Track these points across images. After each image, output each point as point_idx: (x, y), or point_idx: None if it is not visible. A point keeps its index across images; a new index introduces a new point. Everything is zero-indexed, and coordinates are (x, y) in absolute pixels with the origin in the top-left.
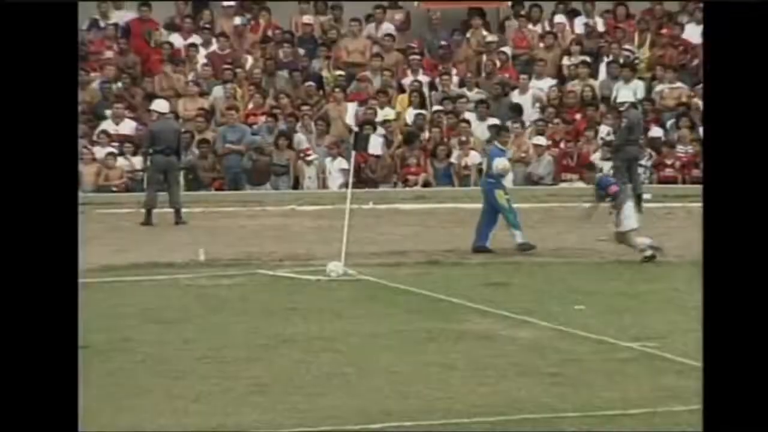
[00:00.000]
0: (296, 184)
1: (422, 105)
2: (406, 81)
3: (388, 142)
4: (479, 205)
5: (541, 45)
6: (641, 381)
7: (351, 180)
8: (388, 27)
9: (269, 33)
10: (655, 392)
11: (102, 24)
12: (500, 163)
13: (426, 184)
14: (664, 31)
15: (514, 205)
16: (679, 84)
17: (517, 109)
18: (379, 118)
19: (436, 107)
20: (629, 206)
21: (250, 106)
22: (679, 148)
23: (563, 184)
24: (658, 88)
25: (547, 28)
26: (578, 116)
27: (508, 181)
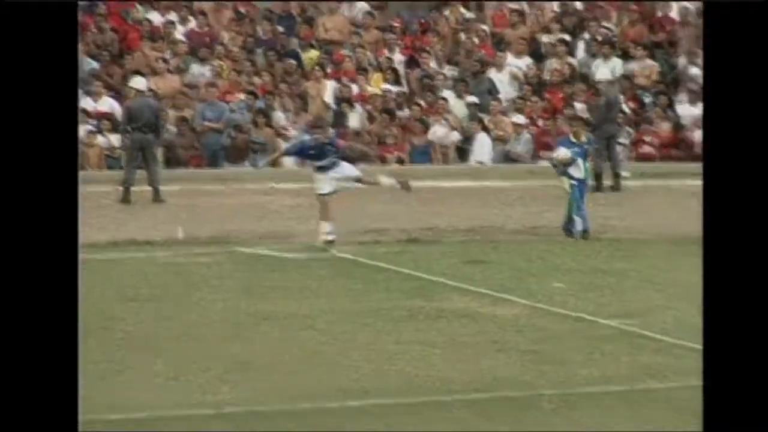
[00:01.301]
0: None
1: (397, 82)
2: (384, 58)
3: (366, 120)
4: (459, 184)
5: (512, 23)
6: (620, 358)
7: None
8: (365, 5)
9: (242, 10)
10: (633, 370)
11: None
12: (558, 152)
13: (400, 162)
14: (634, 7)
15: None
16: (649, 61)
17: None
18: (358, 95)
19: (405, 86)
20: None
21: (228, 83)
22: (656, 125)
23: (541, 162)
24: (629, 66)
25: (525, 7)
26: (559, 94)
27: (579, 171)
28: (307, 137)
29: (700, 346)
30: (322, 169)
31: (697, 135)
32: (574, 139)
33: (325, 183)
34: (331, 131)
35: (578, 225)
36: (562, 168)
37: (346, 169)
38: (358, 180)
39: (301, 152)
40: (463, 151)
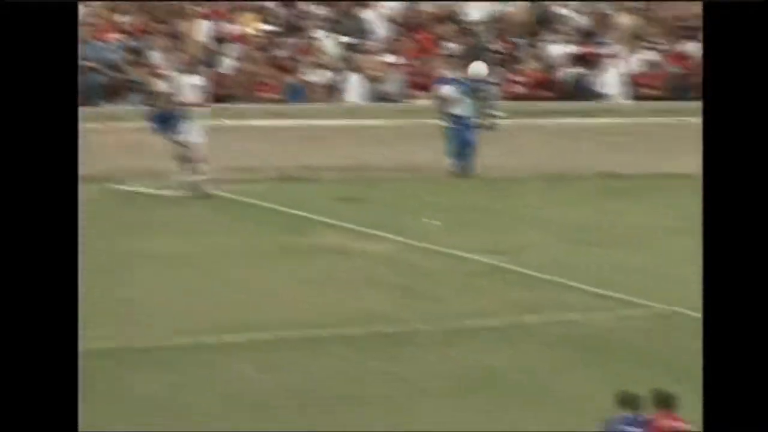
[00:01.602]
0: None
1: (271, 22)
2: None
3: (240, 59)
4: (333, 122)
5: None
6: (492, 294)
7: (204, 96)
8: None
9: None
10: (506, 305)
11: None
12: (443, 90)
13: (275, 101)
14: None
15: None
16: (519, 2)
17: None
18: (232, 35)
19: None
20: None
21: (104, 23)
22: (527, 65)
23: (414, 101)
24: (500, 7)
25: None
26: (431, 35)
27: (464, 108)
28: (152, 107)
29: (571, 282)
30: (168, 132)
31: (565, 74)
32: (454, 76)
33: (171, 143)
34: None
35: (456, 166)
36: (446, 106)
37: (189, 134)
38: (188, 149)
39: (154, 120)
40: (336, 91)
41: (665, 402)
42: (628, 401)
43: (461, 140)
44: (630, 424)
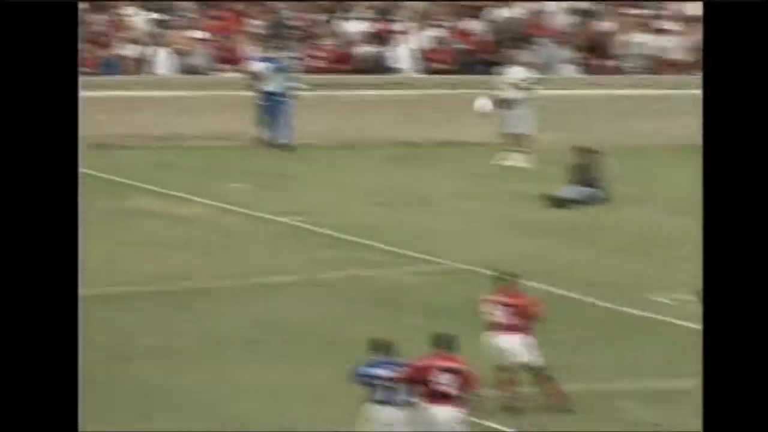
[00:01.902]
0: None
1: None
2: None
3: None
4: (145, 93)
5: None
6: (294, 252)
7: None
8: None
9: None
10: (307, 262)
11: None
12: (254, 66)
13: (90, 74)
14: None
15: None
16: None
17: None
18: None
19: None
20: None
21: None
22: (326, 41)
23: (220, 74)
24: None
25: None
26: (234, 12)
27: (274, 85)
28: None
29: (368, 241)
30: None
31: (362, 50)
32: (267, 55)
33: None
34: None
35: (265, 135)
36: (257, 82)
37: None
38: None
39: None
40: (146, 64)
41: (444, 344)
42: (379, 346)
43: (273, 113)
44: (377, 366)
